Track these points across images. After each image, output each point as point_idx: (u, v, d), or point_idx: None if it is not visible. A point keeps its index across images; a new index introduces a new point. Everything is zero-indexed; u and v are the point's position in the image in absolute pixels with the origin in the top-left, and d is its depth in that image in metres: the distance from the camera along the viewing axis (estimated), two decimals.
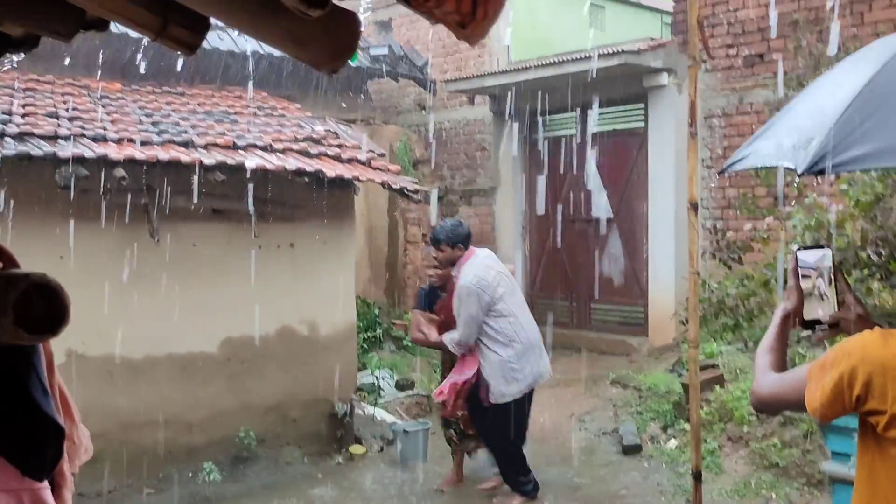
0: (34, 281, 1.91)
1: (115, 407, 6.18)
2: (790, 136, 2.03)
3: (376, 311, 9.50)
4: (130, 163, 5.89)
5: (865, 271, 4.05)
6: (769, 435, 6.01)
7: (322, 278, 7.21)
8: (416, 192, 7.33)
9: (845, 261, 4.08)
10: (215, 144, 6.56)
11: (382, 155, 8.10)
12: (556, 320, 10.13)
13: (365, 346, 8.67)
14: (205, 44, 7.67)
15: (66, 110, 6.73)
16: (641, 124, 9.30)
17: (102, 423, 5.80)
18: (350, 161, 7.11)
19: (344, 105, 10.11)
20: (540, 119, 10.25)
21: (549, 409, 7.80)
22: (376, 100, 11.78)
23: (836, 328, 2.04)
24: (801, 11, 7.74)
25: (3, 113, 6.17)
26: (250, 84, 8.29)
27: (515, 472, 5.69)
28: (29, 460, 2.03)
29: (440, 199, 11.13)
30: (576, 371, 8.74)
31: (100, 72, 7.97)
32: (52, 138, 5.91)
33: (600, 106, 9.44)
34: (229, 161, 6.26)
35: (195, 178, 6.24)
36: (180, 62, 8.03)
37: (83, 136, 6.09)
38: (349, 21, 1.52)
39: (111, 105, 7.34)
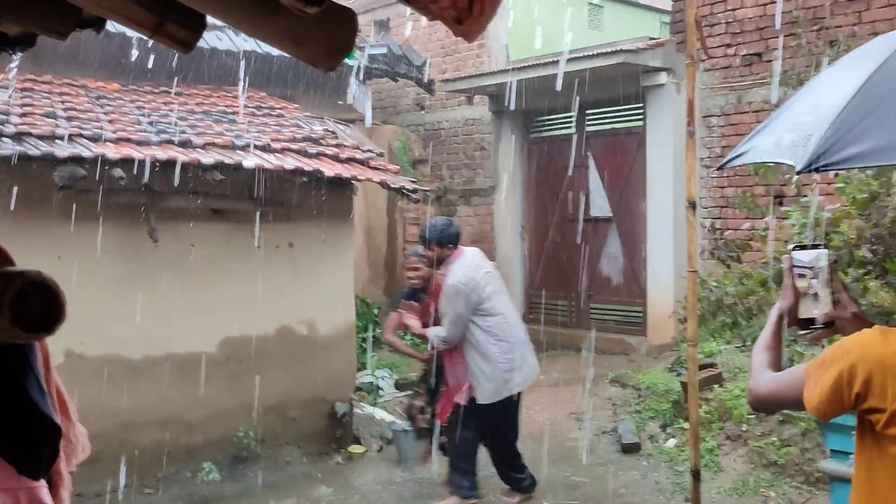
0: (30, 279, 1.91)
1: (114, 407, 6.17)
2: (790, 132, 2.03)
3: (375, 311, 9.51)
4: (128, 162, 5.88)
5: (861, 270, 4.05)
6: (768, 433, 6.01)
7: (321, 278, 7.21)
8: (414, 191, 7.33)
9: (841, 259, 4.08)
10: (213, 144, 6.55)
11: (381, 154, 8.10)
12: (555, 319, 10.14)
13: (364, 345, 8.67)
14: (203, 43, 7.68)
15: (64, 110, 6.72)
16: (640, 123, 9.30)
17: (101, 424, 5.80)
18: (349, 161, 7.10)
19: (340, 102, 10.09)
20: (539, 118, 10.26)
21: (549, 409, 7.81)
22: (375, 99, 11.78)
23: (832, 327, 2.03)
24: (800, 10, 7.74)
25: (1, 113, 6.16)
26: (245, 83, 8.28)
27: (511, 468, 5.67)
28: (25, 459, 2.03)
29: (439, 198, 11.13)
30: (575, 370, 8.74)
31: (97, 71, 7.97)
32: (50, 138, 5.90)
33: (599, 105, 9.45)
34: (227, 161, 6.25)
35: (193, 178, 6.24)
36: (179, 62, 8.03)
37: (81, 135, 6.09)
38: (346, 18, 1.52)
39: (109, 105, 7.33)
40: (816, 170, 1.88)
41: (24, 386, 2.04)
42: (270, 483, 6.48)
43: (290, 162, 6.58)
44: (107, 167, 5.83)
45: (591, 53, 8.76)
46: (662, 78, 8.77)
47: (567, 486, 6.17)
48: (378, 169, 7.27)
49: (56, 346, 2.17)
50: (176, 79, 8.28)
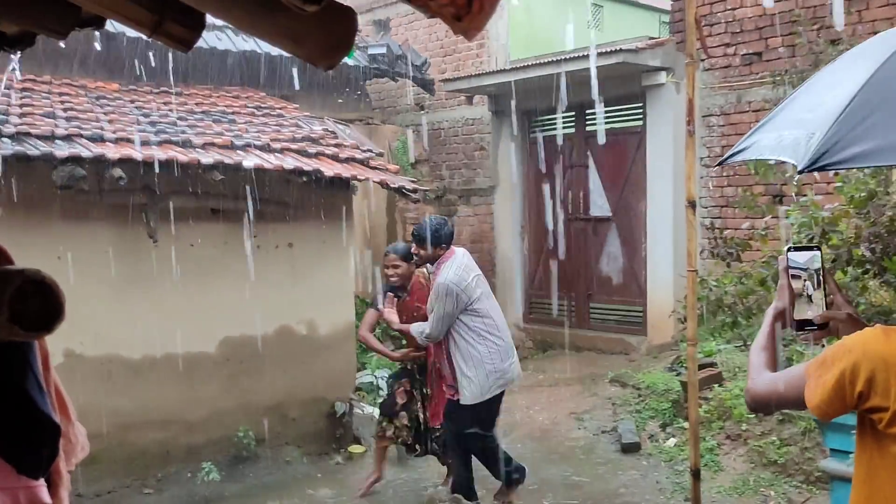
0: (29, 277, 1.91)
1: (113, 407, 6.17)
2: (791, 129, 2.02)
3: None
4: (128, 162, 5.88)
5: (860, 269, 4.05)
6: (768, 433, 6.01)
7: (321, 278, 7.21)
8: (414, 191, 7.33)
9: (840, 258, 4.08)
10: (213, 144, 6.55)
11: (381, 154, 8.11)
12: (555, 319, 10.14)
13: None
14: (202, 43, 7.69)
15: (64, 110, 6.73)
16: (640, 123, 9.30)
17: (101, 424, 5.80)
18: (348, 160, 7.10)
19: (340, 101, 10.10)
20: (538, 118, 10.26)
21: (549, 408, 7.81)
22: (375, 100, 11.78)
23: (826, 329, 2.03)
24: (799, 9, 7.74)
25: (0, 113, 6.16)
26: (245, 84, 8.29)
27: (499, 462, 5.64)
28: (25, 458, 2.03)
29: (439, 198, 11.13)
30: (575, 370, 8.75)
31: (97, 72, 7.97)
32: (50, 138, 5.90)
33: (599, 105, 9.44)
34: (227, 161, 6.25)
35: (193, 178, 6.24)
36: (178, 62, 8.03)
37: (80, 135, 6.09)
38: (345, 17, 1.52)
39: (108, 105, 7.33)
40: (818, 169, 1.87)
41: (23, 385, 2.04)
42: (270, 483, 6.48)
43: (289, 162, 6.58)
44: (106, 167, 5.83)
45: (590, 53, 8.75)
46: (662, 77, 8.77)
47: (567, 485, 6.17)
48: (378, 169, 7.27)
49: (56, 345, 2.18)
50: (175, 79, 8.28)
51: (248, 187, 6.48)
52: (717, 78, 8.53)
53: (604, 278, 9.77)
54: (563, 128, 10.11)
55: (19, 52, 2.06)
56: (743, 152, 2.26)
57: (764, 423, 6.10)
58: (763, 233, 5.06)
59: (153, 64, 8.02)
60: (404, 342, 5.98)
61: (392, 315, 5.69)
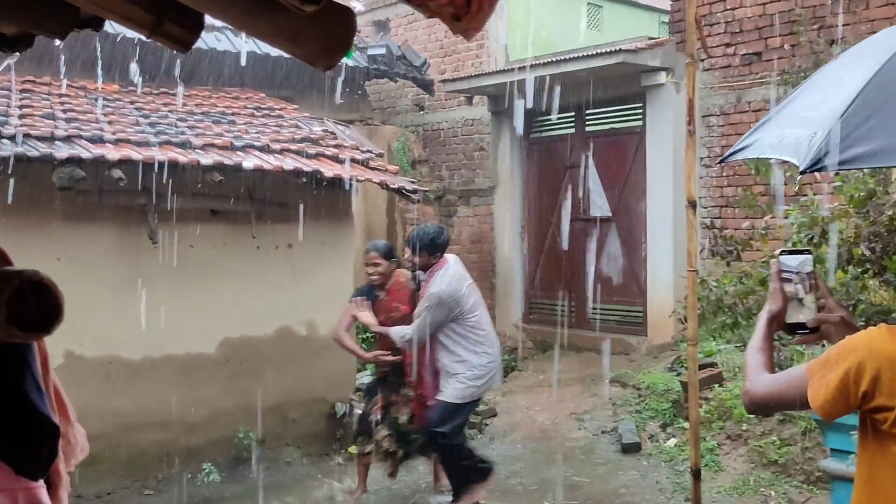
0: (27, 278, 1.91)
1: (113, 408, 6.17)
2: (793, 128, 2.01)
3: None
4: (128, 164, 5.89)
5: (859, 268, 4.05)
6: (768, 433, 6.01)
7: (320, 279, 7.21)
8: (414, 191, 7.33)
9: (840, 257, 4.08)
10: (213, 145, 6.55)
11: (380, 155, 8.11)
12: (555, 320, 10.13)
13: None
14: (202, 44, 7.70)
15: (63, 111, 6.73)
16: (639, 123, 9.30)
17: (101, 425, 5.80)
18: (348, 161, 7.10)
19: (341, 102, 10.09)
20: (538, 119, 10.25)
21: (549, 409, 7.81)
22: (374, 100, 11.78)
23: (817, 332, 2.03)
24: (798, 9, 7.73)
25: (0, 114, 6.16)
26: (244, 84, 8.29)
27: (473, 460, 5.57)
28: (24, 459, 2.03)
29: (438, 199, 11.13)
30: (575, 370, 8.75)
31: (97, 73, 7.96)
32: (49, 139, 5.90)
33: (598, 105, 9.44)
34: (227, 161, 6.25)
35: (193, 179, 6.24)
36: (178, 63, 8.02)
37: (80, 137, 6.09)
38: (344, 17, 1.52)
39: (108, 106, 7.33)
40: (820, 169, 1.86)
41: (22, 387, 2.04)
42: (271, 484, 6.47)
43: (289, 163, 6.58)
44: (106, 168, 5.83)
45: (590, 53, 8.75)
46: (662, 78, 8.76)
47: (567, 485, 6.17)
48: (377, 169, 7.27)
49: (55, 346, 2.18)
50: (175, 80, 8.28)
51: (247, 188, 6.48)
52: (716, 78, 8.53)
53: (604, 279, 9.76)
54: (563, 128, 10.11)
55: (18, 53, 2.06)
56: (744, 150, 2.26)
57: (764, 423, 6.10)
58: (763, 232, 5.05)
59: (153, 65, 8.02)
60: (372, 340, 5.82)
61: (368, 317, 5.55)
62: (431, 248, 5.28)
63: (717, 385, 6.71)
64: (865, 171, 4.12)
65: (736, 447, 6.20)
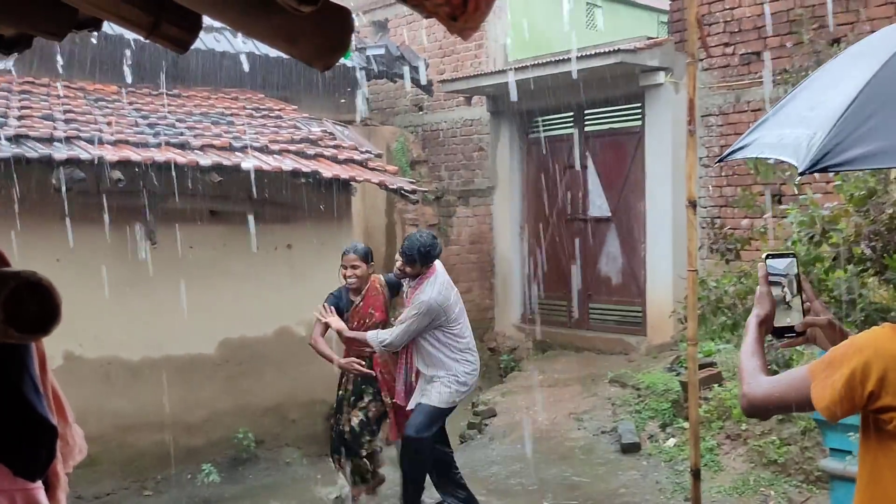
0: (25, 279, 1.91)
1: (112, 409, 6.17)
2: (793, 128, 2.01)
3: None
4: (126, 165, 5.89)
5: (860, 267, 4.05)
6: (767, 432, 6.01)
7: (320, 279, 7.18)
8: (413, 192, 7.33)
9: (840, 256, 4.08)
10: (212, 146, 6.56)
11: (379, 155, 8.11)
12: (554, 320, 10.14)
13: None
14: (201, 45, 7.69)
15: (62, 112, 6.73)
16: (638, 123, 9.30)
17: (100, 426, 5.80)
18: (347, 162, 7.10)
19: (342, 101, 10.10)
20: (537, 119, 10.26)
21: (548, 409, 7.81)
22: (373, 100, 11.78)
23: (804, 336, 2.03)
24: (797, 8, 7.74)
25: None
26: (243, 85, 8.29)
27: (461, 488, 5.50)
28: (22, 460, 2.03)
29: (438, 199, 11.13)
30: (574, 370, 8.75)
31: (95, 74, 7.97)
32: (48, 140, 5.90)
33: (597, 105, 9.44)
34: (226, 162, 6.25)
35: (192, 180, 6.24)
36: (177, 64, 8.03)
37: (79, 138, 6.09)
38: (341, 17, 1.52)
39: (107, 107, 7.34)
40: (819, 170, 1.86)
41: (20, 388, 2.04)
42: (270, 484, 6.48)
43: (288, 163, 6.58)
44: (105, 169, 5.83)
45: (589, 53, 8.75)
46: (660, 77, 8.76)
47: (567, 485, 6.17)
48: (376, 170, 7.27)
49: (55, 347, 2.17)
50: (174, 81, 8.28)
51: (246, 189, 6.48)
52: (715, 78, 8.53)
53: (603, 278, 9.76)
54: (562, 128, 10.11)
55: (16, 54, 2.06)
56: (744, 149, 2.25)
57: (764, 423, 6.09)
58: (763, 230, 5.06)
59: (152, 66, 8.02)
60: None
61: (338, 322, 5.37)
62: (426, 259, 5.20)
63: (716, 385, 6.71)
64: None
65: (735, 447, 6.19)
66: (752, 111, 8.16)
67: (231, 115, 7.88)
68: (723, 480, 5.89)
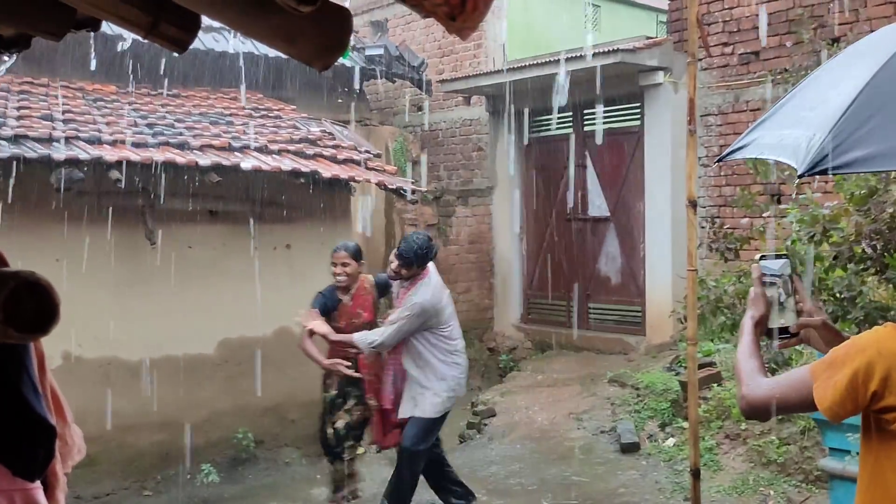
0: (23, 279, 1.91)
1: (112, 409, 6.16)
2: (792, 128, 2.00)
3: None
4: (126, 165, 5.88)
5: (861, 266, 4.05)
6: (767, 432, 6.01)
7: (319, 279, 7.16)
8: (412, 192, 7.33)
9: (841, 255, 4.07)
10: (211, 146, 6.55)
11: (378, 155, 8.10)
12: (554, 320, 10.14)
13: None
14: (200, 45, 7.70)
15: (61, 113, 6.72)
16: (637, 123, 9.30)
17: (99, 426, 5.79)
18: (346, 162, 7.10)
19: (341, 101, 10.10)
20: (536, 118, 10.25)
21: (548, 408, 7.80)
22: (372, 101, 11.78)
23: (797, 336, 2.03)
24: (796, 8, 7.74)
25: None
26: (243, 85, 8.28)
27: (455, 483, 5.53)
28: (20, 460, 2.03)
29: (437, 199, 11.13)
30: (573, 370, 8.75)
31: (94, 74, 7.97)
32: (47, 141, 5.90)
33: (596, 105, 9.45)
34: (225, 162, 6.25)
35: (191, 180, 6.24)
36: (176, 64, 8.02)
37: (78, 138, 6.09)
38: (340, 17, 1.51)
39: (106, 107, 7.33)
40: (818, 173, 1.85)
41: (18, 388, 2.04)
42: (269, 484, 6.47)
43: (287, 163, 6.58)
44: (104, 169, 5.83)
45: (588, 53, 8.75)
46: (660, 77, 8.77)
47: (566, 485, 6.17)
48: (375, 170, 7.27)
49: (54, 348, 2.17)
50: (173, 81, 8.28)
51: (245, 189, 6.48)
52: (714, 77, 8.54)
53: (602, 278, 9.77)
54: (561, 128, 10.11)
55: (15, 55, 2.05)
56: (743, 149, 2.24)
57: (763, 423, 6.09)
58: (762, 229, 5.06)
59: (151, 66, 8.02)
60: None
61: (322, 327, 5.26)
62: (423, 262, 5.16)
63: (715, 384, 6.71)
64: None
65: (735, 447, 6.20)
66: (751, 111, 8.16)
67: (230, 115, 7.88)
68: (722, 480, 5.89)
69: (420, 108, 11.76)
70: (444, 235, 10.73)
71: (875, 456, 1.76)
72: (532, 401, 8.08)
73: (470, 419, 7.93)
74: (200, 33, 1.66)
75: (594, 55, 8.60)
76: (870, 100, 1.84)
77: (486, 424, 7.74)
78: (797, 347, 5.71)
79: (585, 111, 9.65)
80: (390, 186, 7.18)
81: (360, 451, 5.66)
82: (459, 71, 11.02)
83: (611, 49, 8.64)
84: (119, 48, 7.75)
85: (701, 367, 6.41)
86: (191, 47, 1.65)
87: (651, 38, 9.62)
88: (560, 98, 7.99)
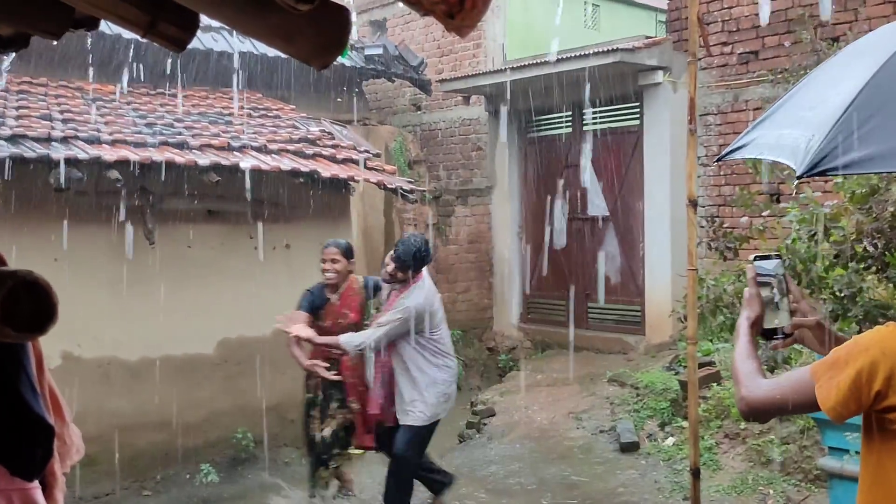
0: (22, 279, 1.91)
1: (111, 409, 6.17)
2: (791, 128, 2.00)
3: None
4: (125, 164, 5.88)
5: (861, 264, 4.05)
6: (766, 431, 6.01)
7: (318, 279, 7.18)
8: (411, 192, 7.33)
9: (842, 253, 4.07)
10: (210, 146, 6.55)
11: (378, 155, 8.10)
12: (553, 319, 10.14)
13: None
14: (199, 45, 7.69)
15: (60, 112, 6.72)
16: (637, 122, 9.30)
17: (99, 426, 5.79)
18: (345, 161, 7.10)
19: (340, 100, 10.10)
20: (535, 118, 10.25)
21: (547, 408, 7.80)
22: (371, 100, 11.77)
23: (791, 337, 2.02)
24: (796, 8, 7.74)
25: None
26: (242, 85, 8.29)
27: (433, 471, 5.51)
28: (19, 460, 2.03)
29: (436, 199, 11.13)
30: (573, 370, 8.74)
31: (93, 74, 7.96)
32: (46, 140, 5.89)
33: (595, 104, 9.44)
34: (224, 162, 6.25)
35: (190, 180, 6.24)
36: (175, 63, 8.02)
37: (77, 138, 6.08)
38: (339, 16, 1.51)
39: (105, 107, 7.33)
40: (817, 174, 1.85)
41: (17, 387, 2.04)
42: (269, 484, 6.47)
43: (286, 163, 6.58)
44: (103, 169, 5.83)
45: (587, 52, 8.76)
46: (659, 77, 8.76)
47: (565, 485, 6.17)
48: (375, 169, 7.27)
49: (53, 347, 2.17)
50: (172, 80, 8.27)
51: (245, 189, 6.47)
52: (714, 77, 8.54)
53: (602, 278, 9.76)
54: (560, 127, 10.11)
55: (13, 54, 2.05)
56: (742, 149, 2.24)
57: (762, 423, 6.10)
58: (761, 228, 5.05)
59: (150, 66, 8.01)
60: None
61: (305, 330, 5.18)
62: (420, 265, 5.11)
63: (715, 384, 6.71)
64: None
65: (734, 446, 6.20)
66: (751, 110, 8.16)
67: (229, 114, 7.87)
68: (721, 479, 5.89)
69: (419, 108, 11.76)
70: (444, 235, 10.73)
71: (877, 456, 1.75)
72: (531, 400, 8.08)
73: (469, 419, 7.93)
74: (199, 32, 1.66)
75: (593, 55, 8.60)
76: (869, 100, 1.83)
77: (485, 424, 7.74)
78: (796, 347, 5.72)
79: (585, 111, 9.65)
80: (389, 186, 7.18)
81: (354, 454, 5.60)
82: (459, 70, 11.01)
83: (610, 49, 8.63)
84: (117, 47, 7.75)
85: (700, 366, 6.41)
86: (189, 46, 1.65)
87: (650, 37, 9.62)
88: (559, 97, 7.98)
